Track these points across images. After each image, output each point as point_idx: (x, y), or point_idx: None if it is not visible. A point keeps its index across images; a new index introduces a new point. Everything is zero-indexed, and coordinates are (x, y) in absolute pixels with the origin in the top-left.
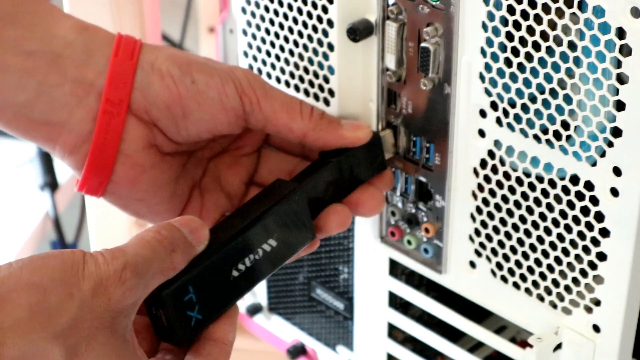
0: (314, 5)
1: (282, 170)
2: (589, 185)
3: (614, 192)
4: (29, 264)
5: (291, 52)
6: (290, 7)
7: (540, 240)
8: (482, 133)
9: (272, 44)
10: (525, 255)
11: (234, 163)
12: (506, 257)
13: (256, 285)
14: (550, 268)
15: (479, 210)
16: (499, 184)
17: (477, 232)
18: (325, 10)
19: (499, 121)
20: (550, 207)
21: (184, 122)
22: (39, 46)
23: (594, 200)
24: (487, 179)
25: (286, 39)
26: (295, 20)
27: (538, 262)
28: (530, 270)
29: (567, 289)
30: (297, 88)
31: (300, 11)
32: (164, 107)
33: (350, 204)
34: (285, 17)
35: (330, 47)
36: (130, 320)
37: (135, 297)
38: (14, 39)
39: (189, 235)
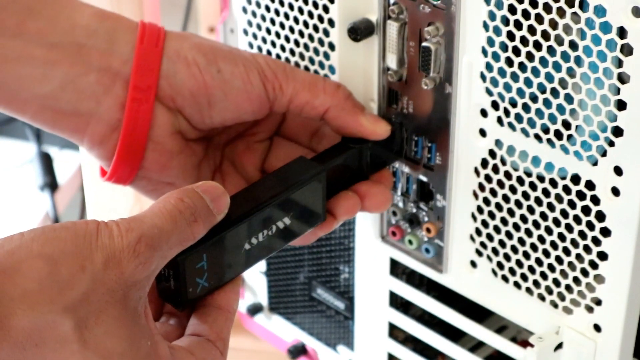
0: (315, 5)
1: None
2: (590, 185)
3: (615, 191)
4: (40, 235)
5: (292, 52)
6: (291, 6)
7: (541, 239)
8: (483, 132)
9: (273, 44)
10: (526, 255)
11: (247, 149)
12: (507, 257)
13: (263, 260)
14: (551, 267)
15: (480, 209)
16: (500, 184)
17: (478, 232)
18: (326, 9)
19: (500, 121)
20: (551, 207)
21: (209, 111)
22: (61, 37)
23: (595, 200)
24: (488, 178)
25: (287, 39)
26: (296, 20)
27: (539, 261)
28: (531, 269)
29: (568, 288)
30: None
31: (301, 11)
32: (189, 96)
33: (359, 194)
34: (286, 16)
35: (332, 46)
36: (145, 293)
37: (149, 271)
38: (36, 31)
39: (210, 204)
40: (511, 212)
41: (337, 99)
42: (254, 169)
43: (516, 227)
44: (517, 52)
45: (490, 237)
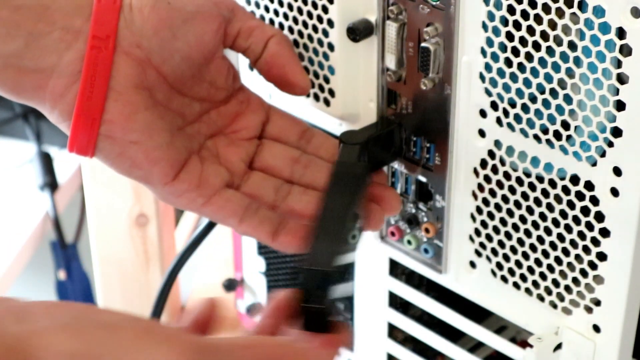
0: (314, 5)
1: (285, 158)
2: (589, 185)
3: (614, 192)
4: None
5: None
6: (290, 7)
7: (540, 240)
8: (482, 133)
9: None
10: (525, 255)
11: (232, 144)
12: (506, 257)
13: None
14: (550, 268)
15: (479, 210)
16: (499, 184)
17: (477, 232)
18: (325, 10)
19: (499, 121)
20: (550, 207)
21: (174, 43)
22: (26, 0)
23: (594, 200)
24: (487, 179)
25: None
26: (295, 20)
27: (538, 262)
28: (531, 270)
29: (567, 289)
30: None
31: (300, 11)
32: (152, 34)
33: (375, 200)
34: (286, 17)
35: (331, 47)
36: None
37: None
38: None
39: None
40: (510, 213)
41: (281, 32)
42: (239, 161)
43: (515, 227)
44: (516, 52)
45: (489, 238)
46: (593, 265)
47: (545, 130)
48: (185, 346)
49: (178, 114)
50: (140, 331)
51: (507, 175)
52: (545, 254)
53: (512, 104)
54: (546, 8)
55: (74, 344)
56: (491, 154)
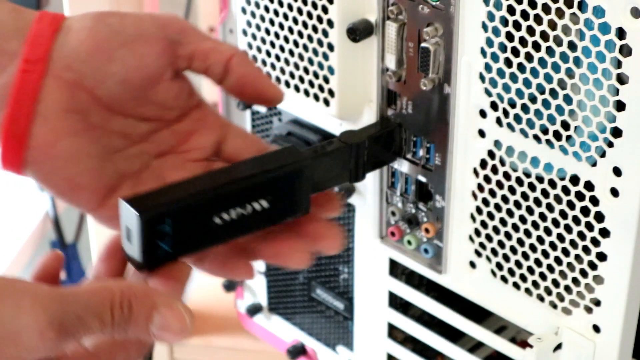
0: (314, 6)
1: None
2: (589, 186)
3: (614, 192)
4: None
5: (291, 52)
6: (290, 7)
7: (540, 240)
8: (482, 133)
9: (272, 44)
10: (525, 256)
11: (181, 166)
12: (506, 257)
13: (234, 239)
14: (550, 268)
15: (479, 210)
16: (499, 184)
17: (477, 232)
18: (325, 10)
19: (499, 121)
20: (550, 208)
21: (110, 66)
22: None
23: (594, 201)
24: (487, 179)
25: (286, 39)
26: (295, 21)
27: (538, 262)
28: (530, 270)
29: (567, 289)
30: (297, 88)
31: (300, 11)
32: (86, 57)
33: (306, 235)
34: (285, 17)
35: (330, 47)
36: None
37: (55, 352)
38: None
39: (155, 329)
40: (510, 213)
41: (239, 50)
42: None
43: (515, 227)
44: (516, 52)
45: (489, 238)
46: (593, 266)
47: (545, 131)
48: (45, 297)
49: (119, 135)
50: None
51: (507, 176)
52: (545, 254)
53: (512, 104)
54: (546, 8)
55: None
56: (491, 154)
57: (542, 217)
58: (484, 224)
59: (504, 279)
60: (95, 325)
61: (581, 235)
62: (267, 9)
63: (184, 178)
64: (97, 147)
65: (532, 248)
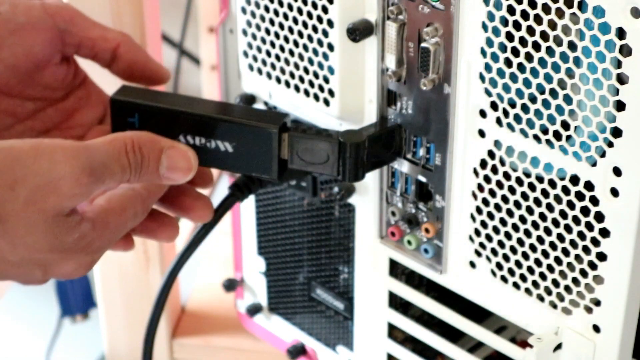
0: (314, 6)
1: None
2: (589, 186)
3: (614, 192)
4: None
5: (291, 52)
6: (290, 7)
7: (540, 240)
8: (482, 133)
9: (272, 44)
10: (525, 256)
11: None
12: (506, 257)
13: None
14: (550, 268)
15: (478, 210)
16: (499, 184)
17: (477, 232)
18: (325, 10)
19: (499, 121)
20: (550, 207)
21: None
22: None
23: (594, 201)
24: (487, 179)
25: (286, 39)
26: (295, 21)
27: (538, 262)
28: (530, 270)
29: (567, 289)
30: (297, 88)
31: (300, 11)
32: None
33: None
34: (285, 17)
35: (330, 47)
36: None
37: (87, 198)
38: None
39: (164, 170)
40: (510, 213)
41: (126, 35)
42: None
43: (515, 227)
44: (515, 52)
45: (489, 238)
46: (593, 266)
47: (545, 131)
48: (74, 149)
49: (6, 113)
50: (33, 146)
51: (506, 176)
52: (545, 254)
53: (512, 104)
54: (546, 8)
55: None
56: (491, 154)
57: (542, 217)
58: (484, 224)
59: (504, 279)
60: (117, 170)
61: (581, 235)
62: (267, 9)
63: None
64: None
65: (532, 248)
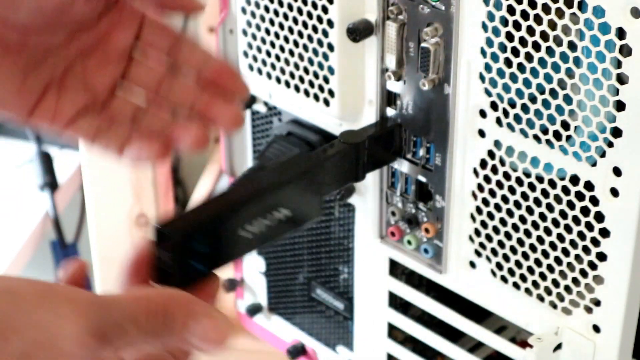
0: (314, 6)
1: (151, 78)
2: (589, 186)
3: (614, 192)
4: None
5: (291, 53)
6: (290, 7)
7: (540, 240)
8: (482, 133)
9: (272, 44)
10: (525, 256)
11: (100, 65)
12: (506, 257)
13: (257, 249)
14: (550, 268)
15: (478, 210)
16: (499, 184)
17: (477, 232)
18: (325, 10)
19: (499, 121)
20: (550, 208)
21: None
22: None
23: (594, 201)
24: (487, 179)
25: (286, 39)
26: (295, 21)
27: (538, 262)
28: (530, 270)
29: (567, 289)
30: (297, 88)
31: (300, 11)
32: None
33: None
34: (285, 17)
35: (330, 47)
36: None
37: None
38: None
39: (197, 341)
40: (510, 213)
41: None
42: (104, 83)
43: (515, 227)
44: (515, 52)
45: (489, 238)
46: (593, 266)
47: (545, 131)
48: (85, 304)
49: (39, 47)
50: (39, 293)
51: (506, 176)
52: (545, 254)
53: (512, 104)
54: (546, 8)
55: None
56: (491, 154)
57: (542, 217)
58: (484, 224)
59: (504, 279)
60: (133, 333)
61: (581, 235)
62: (267, 9)
63: (204, 200)
64: (18, 66)
65: (532, 248)
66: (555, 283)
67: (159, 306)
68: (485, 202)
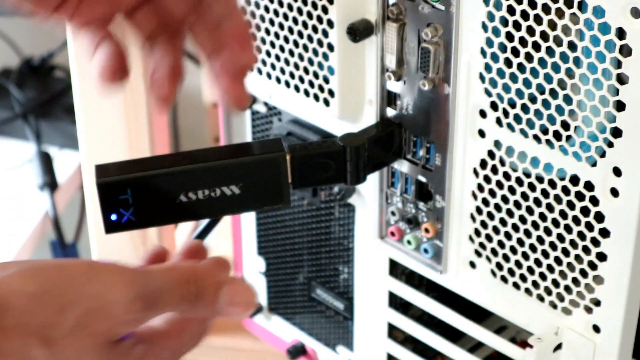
0: (314, 6)
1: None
2: (589, 186)
3: (614, 192)
4: (27, 270)
5: (291, 53)
6: (290, 7)
7: (540, 240)
8: (482, 133)
9: (272, 44)
10: (525, 256)
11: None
12: (506, 258)
13: (203, 219)
14: (550, 268)
15: (478, 210)
16: (499, 184)
17: (477, 233)
18: (325, 10)
19: (499, 121)
20: (550, 208)
21: None
22: None
23: (594, 201)
24: (487, 179)
25: (286, 39)
26: (295, 21)
27: (538, 262)
28: (530, 270)
29: (567, 289)
30: (297, 88)
31: (300, 11)
32: None
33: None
34: (285, 17)
35: (330, 47)
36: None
37: (140, 325)
38: None
39: (223, 303)
40: (510, 213)
41: None
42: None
43: (515, 227)
44: (515, 53)
45: (489, 238)
46: (593, 266)
47: (545, 131)
48: (129, 274)
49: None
50: (86, 267)
51: (506, 176)
52: (545, 254)
53: (512, 104)
54: (546, 8)
55: (30, 285)
56: (491, 154)
57: (542, 217)
58: (484, 224)
59: (504, 279)
60: (172, 300)
61: (581, 236)
62: (267, 9)
63: (162, 155)
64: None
65: (532, 248)
66: (555, 283)
67: (190, 275)
68: (485, 202)
